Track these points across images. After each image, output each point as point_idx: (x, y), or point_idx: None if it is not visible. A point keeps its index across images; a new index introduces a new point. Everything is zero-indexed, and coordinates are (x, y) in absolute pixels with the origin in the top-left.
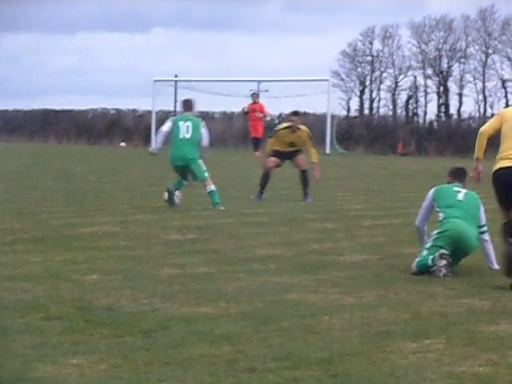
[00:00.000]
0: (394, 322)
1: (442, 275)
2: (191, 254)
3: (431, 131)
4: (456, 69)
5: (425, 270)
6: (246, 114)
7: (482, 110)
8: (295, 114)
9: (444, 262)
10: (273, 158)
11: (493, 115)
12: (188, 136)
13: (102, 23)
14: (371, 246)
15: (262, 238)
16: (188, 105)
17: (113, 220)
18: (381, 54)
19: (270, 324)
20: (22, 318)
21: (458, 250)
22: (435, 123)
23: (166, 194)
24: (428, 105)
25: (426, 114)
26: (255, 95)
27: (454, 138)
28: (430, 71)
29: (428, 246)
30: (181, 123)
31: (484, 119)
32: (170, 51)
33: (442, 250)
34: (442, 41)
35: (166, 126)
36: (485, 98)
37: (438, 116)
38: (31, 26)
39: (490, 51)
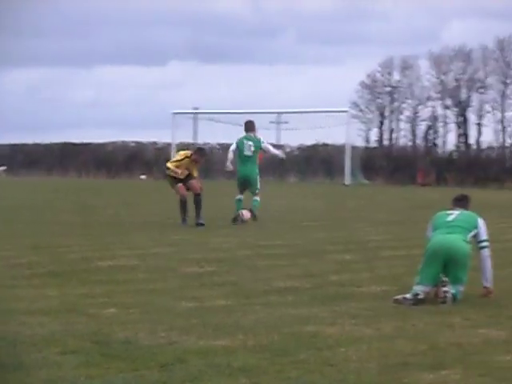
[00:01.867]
0: (412, 354)
1: (447, 301)
2: (209, 286)
3: (450, 161)
4: (475, 99)
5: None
6: None
7: (501, 140)
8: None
9: (445, 288)
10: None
11: None
12: (250, 154)
13: (118, 57)
14: (390, 278)
15: (280, 270)
16: (250, 126)
17: (131, 253)
18: (400, 84)
19: (287, 356)
20: (39, 353)
21: (447, 260)
22: (454, 153)
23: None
24: (447, 135)
25: (445, 144)
26: None
27: (474, 168)
28: (448, 101)
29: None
30: (245, 142)
31: (503, 149)
32: (188, 83)
33: (442, 278)
34: (460, 71)
35: (232, 146)
36: (503, 127)
37: (457, 146)
38: (48, 60)
39: (509, 81)
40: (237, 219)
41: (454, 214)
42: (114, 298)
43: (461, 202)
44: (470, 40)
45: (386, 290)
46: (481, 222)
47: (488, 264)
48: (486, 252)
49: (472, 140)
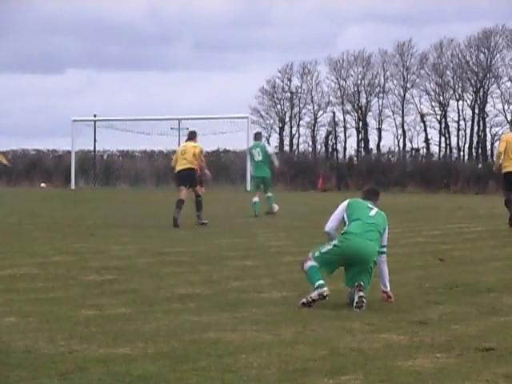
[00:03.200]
0: (312, 359)
1: (359, 307)
2: (109, 294)
3: (351, 166)
4: (375, 104)
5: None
6: None
7: (401, 145)
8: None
9: (361, 293)
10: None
11: (412, 149)
12: (260, 158)
13: (16, 65)
14: (290, 283)
15: (181, 276)
16: (257, 136)
17: (31, 262)
18: (300, 90)
19: (188, 363)
20: None
21: (357, 264)
22: (355, 158)
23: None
24: (347, 140)
25: (345, 149)
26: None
27: (374, 172)
28: (348, 107)
29: (324, 250)
30: (253, 150)
31: (403, 153)
32: (87, 91)
33: (358, 282)
34: (360, 76)
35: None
36: (404, 132)
37: (358, 151)
38: None
39: (409, 85)
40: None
41: (374, 211)
42: (14, 306)
43: (373, 195)
44: (369, 45)
45: (287, 296)
46: (387, 227)
47: (386, 269)
48: (385, 257)
49: (372, 145)
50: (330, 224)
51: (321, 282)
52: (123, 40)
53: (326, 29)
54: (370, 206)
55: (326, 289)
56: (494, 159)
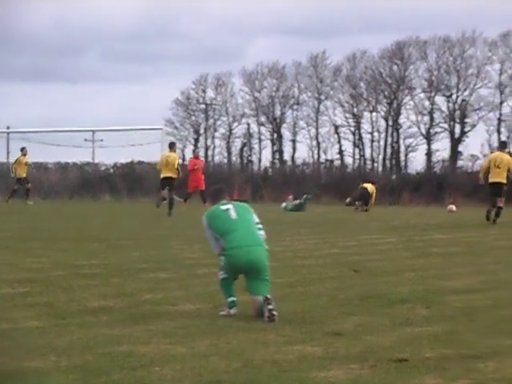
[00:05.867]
0: (226, 371)
1: (272, 320)
2: (22, 307)
3: (266, 178)
4: (289, 115)
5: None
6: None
7: (315, 156)
8: None
9: (270, 306)
10: None
11: (327, 161)
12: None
13: None
14: (205, 295)
15: (94, 289)
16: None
17: None
18: (214, 101)
19: (101, 377)
20: None
21: (247, 272)
22: (270, 170)
23: None
24: (262, 152)
25: (260, 160)
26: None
27: (289, 183)
28: (263, 118)
29: (223, 276)
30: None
31: (318, 165)
32: None
33: (266, 296)
34: (274, 88)
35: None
36: (318, 143)
37: (273, 162)
38: None
39: (323, 97)
40: None
41: (231, 210)
42: None
43: (219, 193)
44: (283, 57)
45: (201, 308)
46: (252, 210)
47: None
48: (264, 234)
49: (287, 156)
50: (216, 247)
51: (232, 299)
52: (30, 51)
53: (232, 41)
54: (224, 207)
55: (233, 311)
56: (408, 171)
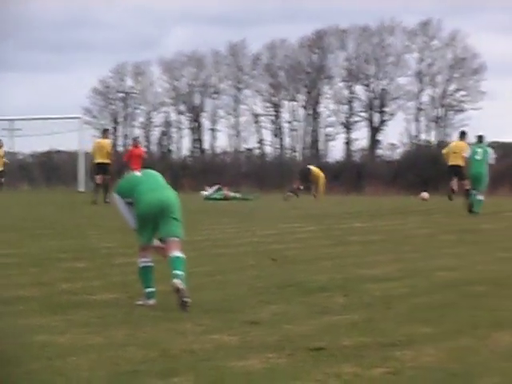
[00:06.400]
0: (143, 361)
1: (184, 309)
2: None
3: (185, 166)
4: (209, 104)
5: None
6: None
7: (235, 145)
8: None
9: (180, 293)
10: None
11: (247, 150)
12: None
13: None
14: (122, 285)
15: (10, 279)
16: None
17: None
18: (133, 90)
19: (18, 367)
20: None
21: (163, 209)
22: (189, 159)
23: None
24: (182, 140)
25: (179, 149)
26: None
27: (209, 172)
28: (182, 107)
29: (142, 265)
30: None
31: (238, 154)
32: None
33: (174, 281)
34: (193, 77)
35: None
36: (238, 132)
37: (192, 151)
38: None
39: (241, 86)
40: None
41: (136, 172)
42: None
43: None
44: (202, 46)
45: (118, 298)
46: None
47: None
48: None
49: (207, 145)
50: (130, 221)
51: (150, 289)
52: None
53: (148, 30)
54: (137, 173)
55: (152, 302)
56: (327, 159)
